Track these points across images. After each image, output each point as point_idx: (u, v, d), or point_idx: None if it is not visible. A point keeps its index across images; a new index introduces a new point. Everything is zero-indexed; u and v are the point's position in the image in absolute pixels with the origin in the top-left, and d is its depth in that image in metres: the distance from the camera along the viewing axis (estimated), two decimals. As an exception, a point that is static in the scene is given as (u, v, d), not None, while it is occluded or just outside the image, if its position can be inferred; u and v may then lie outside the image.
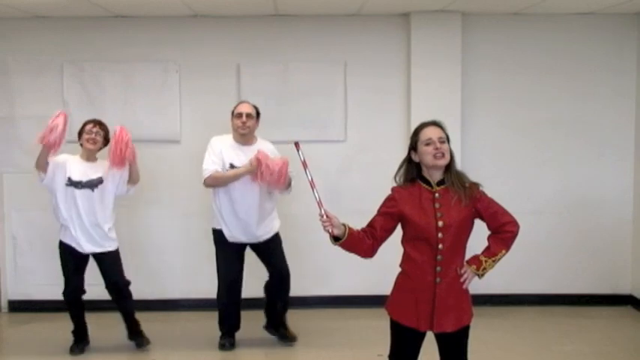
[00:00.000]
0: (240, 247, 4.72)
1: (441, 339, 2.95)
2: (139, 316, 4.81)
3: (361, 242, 2.91)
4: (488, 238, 2.97)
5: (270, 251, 4.72)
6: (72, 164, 4.55)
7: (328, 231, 2.85)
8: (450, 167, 2.92)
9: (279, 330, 4.88)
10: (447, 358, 2.99)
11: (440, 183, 2.92)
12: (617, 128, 5.78)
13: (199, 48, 5.69)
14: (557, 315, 5.59)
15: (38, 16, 5.58)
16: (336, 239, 2.89)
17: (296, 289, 4.93)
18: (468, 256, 2.96)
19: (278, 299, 4.82)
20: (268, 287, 4.87)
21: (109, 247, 4.62)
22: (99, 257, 4.63)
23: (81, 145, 4.63)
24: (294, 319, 5.09)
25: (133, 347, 4.78)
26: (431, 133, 2.90)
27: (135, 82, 5.64)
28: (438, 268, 2.86)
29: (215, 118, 5.71)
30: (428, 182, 2.93)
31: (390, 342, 3.06)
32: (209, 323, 4.96)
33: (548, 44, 5.72)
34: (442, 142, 2.88)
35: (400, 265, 2.99)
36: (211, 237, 4.79)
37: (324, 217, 2.85)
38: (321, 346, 4.85)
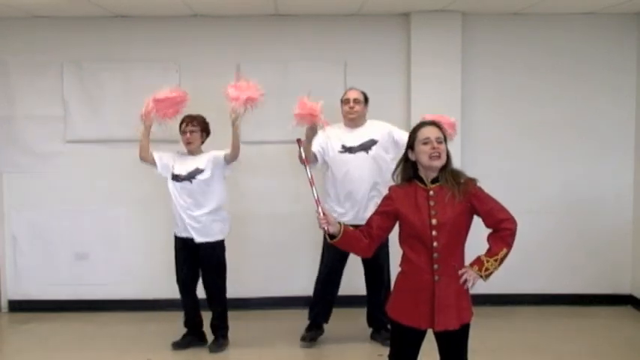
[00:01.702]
0: None
1: (441, 338, 2.95)
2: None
3: (357, 241, 2.94)
4: (488, 238, 2.96)
5: None
6: (177, 159, 4.69)
7: (324, 229, 2.90)
8: (445, 167, 2.92)
9: (380, 333, 4.80)
10: (446, 358, 2.99)
11: (435, 181, 2.92)
12: (617, 128, 5.77)
13: (199, 48, 5.69)
14: (557, 315, 5.58)
15: (38, 16, 5.58)
16: (332, 237, 2.93)
17: (297, 289, 4.91)
18: (467, 252, 2.96)
19: (375, 294, 4.77)
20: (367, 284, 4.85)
21: (212, 237, 4.63)
22: (202, 249, 4.64)
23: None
24: (296, 319, 5.10)
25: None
26: (429, 132, 2.91)
27: (135, 81, 5.64)
28: (436, 266, 2.86)
29: (215, 118, 5.71)
30: (423, 181, 2.94)
31: (390, 342, 3.08)
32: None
33: (548, 44, 5.72)
34: (440, 143, 2.89)
35: (400, 265, 3.00)
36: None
37: (321, 214, 2.89)
38: (322, 345, 4.85)
